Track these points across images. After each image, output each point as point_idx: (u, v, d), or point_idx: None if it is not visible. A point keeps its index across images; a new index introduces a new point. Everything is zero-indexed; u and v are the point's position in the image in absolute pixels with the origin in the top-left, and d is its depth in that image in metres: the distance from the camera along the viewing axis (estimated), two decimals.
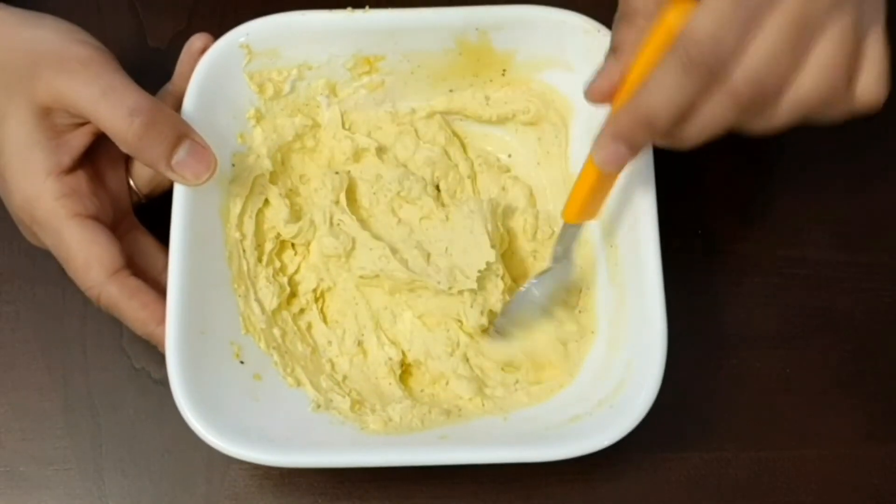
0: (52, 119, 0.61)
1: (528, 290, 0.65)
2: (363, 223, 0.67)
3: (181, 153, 0.60)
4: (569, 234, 0.63)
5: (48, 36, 0.62)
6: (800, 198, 0.71)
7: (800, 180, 0.72)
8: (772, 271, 0.69)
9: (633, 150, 0.54)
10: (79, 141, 0.62)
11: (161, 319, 0.60)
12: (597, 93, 0.56)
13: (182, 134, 0.61)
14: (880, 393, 0.67)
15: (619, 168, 0.56)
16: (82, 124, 0.62)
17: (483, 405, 0.64)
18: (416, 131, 0.69)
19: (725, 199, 0.71)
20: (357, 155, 0.69)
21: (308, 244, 0.67)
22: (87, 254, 0.60)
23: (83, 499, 0.65)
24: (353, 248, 0.66)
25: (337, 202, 0.67)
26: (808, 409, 0.67)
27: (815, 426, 0.66)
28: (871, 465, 0.66)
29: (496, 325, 0.65)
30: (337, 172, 0.68)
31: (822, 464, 0.65)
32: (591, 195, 0.59)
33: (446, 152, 0.69)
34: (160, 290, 0.62)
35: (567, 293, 0.65)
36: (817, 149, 0.72)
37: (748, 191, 0.71)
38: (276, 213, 0.66)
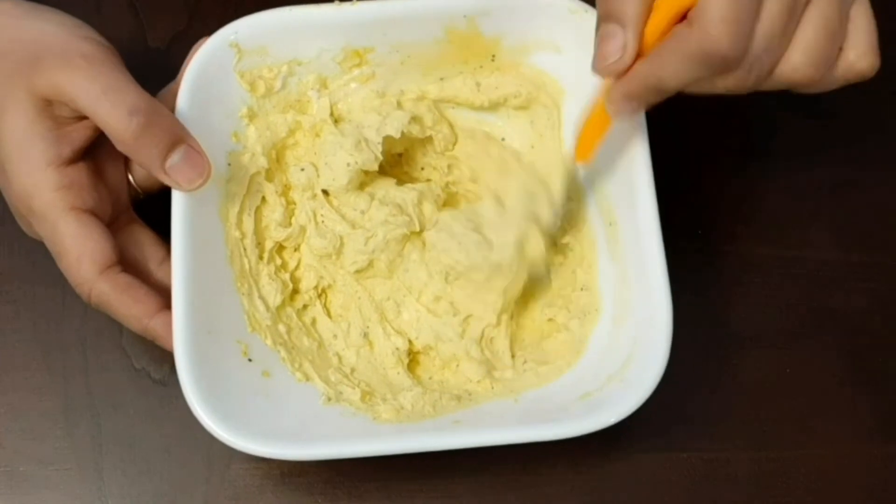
0: (52, 110, 0.61)
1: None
2: (345, 216, 0.67)
3: (175, 157, 0.60)
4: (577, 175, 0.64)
5: (53, 29, 0.62)
6: (800, 198, 0.71)
7: (799, 180, 0.72)
8: (772, 271, 0.69)
9: (644, 106, 0.58)
10: (81, 133, 0.61)
11: (154, 312, 0.60)
12: (613, 70, 0.56)
13: (178, 138, 0.61)
14: (881, 393, 0.67)
15: (633, 116, 0.60)
16: (83, 118, 0.62)
17: (493, 388, 0.64)
18: (398, 103, 0.69)
19: (725, 199, 0.71)
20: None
21: (298, 247, 0.67)
22: (80, 249, 0.60)
23: (83, 499, 0.65)
24: (341, 244, 0.66)
25: (315, 196, 0.67)
26: (808, 409, 0.67)
27: (815, 426, 0.66)
28: (871, 465, 0.66)
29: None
30: (303, 169, 0.67)
31: (822, 464, 0.65)
32: (598, 137, 0.61)
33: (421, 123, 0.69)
34: (156, 284, 0.63)
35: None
36: (817, 148, 0.72)
37: (748, 191, 0.71)
38: (273, 212, 0.67)
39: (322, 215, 0.66)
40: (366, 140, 0.66)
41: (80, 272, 0.60)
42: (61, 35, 0.62)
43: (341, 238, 0.66)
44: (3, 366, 0.67)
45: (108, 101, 0.59)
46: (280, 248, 0.67)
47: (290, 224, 0.67)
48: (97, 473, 0.65)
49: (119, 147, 0.60)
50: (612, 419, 0.58)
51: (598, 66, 0.56)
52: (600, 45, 0.56)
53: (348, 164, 0.65)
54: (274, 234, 0.66)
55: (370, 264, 0.66)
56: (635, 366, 0.60)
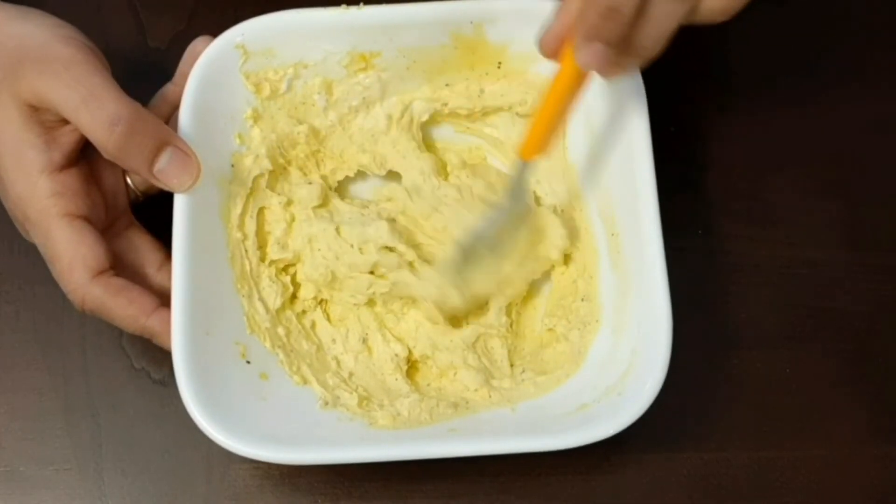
0: (39, 116, 0.60)
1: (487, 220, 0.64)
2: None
3: (163, 161, 0.60)
4: (523, 173, 0.63)
5: (33, 32, 0.61)
6: (800, 198, 0.71)
7: (800, 180, 0.71)
8: (772, 271, 0.69)
9: (610, 44, 0.54)
10: (70, 137, 0.61)
11: (150, 311, 0.60)
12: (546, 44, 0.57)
13: (163, 142, 0.60)
14: (880, 393, 0.67)
15: (604, 66, 0.55)
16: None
17: (490, 397, 0.64)
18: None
19: (725, 199, 0.71)
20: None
21: (294, 265, 0.67)
22: (72, 254, 0.60)
23: (83, 499, 0.65)
24: (333, 279, 0.66)
25: (324, 230, 0.66)
26: (808, 409, 0.67)
27: (815, 426, 0.66)
28: (871, 465, 0.66)
29: (462, 244, 0.64)
30: (310, 182, 0.67)
31: (822, 464, 0.65)
32: (549, 127, 0.59)
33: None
34: (154, 288, 0.62)
35: (519, 236, 0.65)
36: (817, 148, 0.72)
37: (748, 191, 0.71)
38: (275, 228, 0.66)
39: (318, 248, 0.66)
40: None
41: (72, 277, 0.60)
42: (40, 37, 0.61)
43: (332, 273, 0.66)
44: (4, 366, 0.67)
45: (88, 111, 0.59)
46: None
47: (288, 246, 0.66)
48: (97, 473, 0.65)
49: (105, 155, 0.60)
50: (609, 431, 0.58)
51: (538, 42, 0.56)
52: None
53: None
54: (272, 252, 0.66)
55: (369, 300, 0.66)
56: (633, 378, 0.60)
